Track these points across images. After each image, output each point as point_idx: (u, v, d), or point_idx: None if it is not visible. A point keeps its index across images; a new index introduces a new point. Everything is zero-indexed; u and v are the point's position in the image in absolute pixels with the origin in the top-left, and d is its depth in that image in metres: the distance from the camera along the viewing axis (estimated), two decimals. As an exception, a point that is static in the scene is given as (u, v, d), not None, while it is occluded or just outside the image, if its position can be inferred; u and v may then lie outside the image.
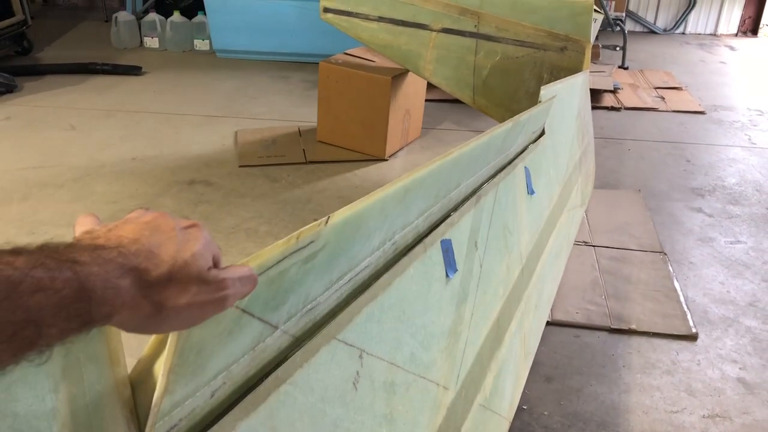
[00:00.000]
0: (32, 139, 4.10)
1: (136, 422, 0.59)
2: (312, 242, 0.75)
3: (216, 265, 0.55)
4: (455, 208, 1.38)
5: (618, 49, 6.47)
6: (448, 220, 1.32)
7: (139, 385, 0.60)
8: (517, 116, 1.64)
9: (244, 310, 0.67)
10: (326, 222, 0.77)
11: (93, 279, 0.43)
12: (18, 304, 0.39)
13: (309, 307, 0.84)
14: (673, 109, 5.23)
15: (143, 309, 0.48)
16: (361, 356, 0.97)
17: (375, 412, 1.01)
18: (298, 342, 0.83)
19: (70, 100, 4.80)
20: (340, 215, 0.81)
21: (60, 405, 0.52)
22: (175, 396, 0.60)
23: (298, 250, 0.73)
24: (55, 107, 4.65)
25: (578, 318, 2.55)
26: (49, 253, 0.42)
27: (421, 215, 1.19)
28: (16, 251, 0.41)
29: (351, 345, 0.95)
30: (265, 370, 0.77)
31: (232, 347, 0.68)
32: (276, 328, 0.76)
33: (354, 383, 0.95)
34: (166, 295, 0.49)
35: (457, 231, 1.35)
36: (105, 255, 0.45)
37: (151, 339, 0.61)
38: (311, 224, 0.75)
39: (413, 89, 4.12)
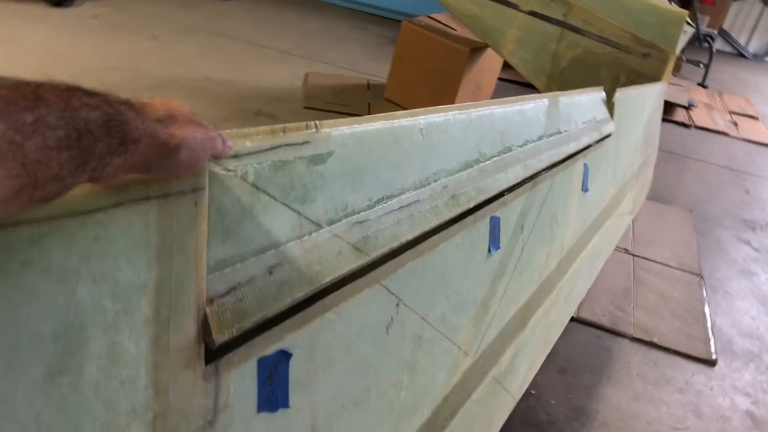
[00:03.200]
0: (115, 42, 4.24)
1: (204, 311, 0.67)
2: (307, 142, 0.82)
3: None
4: (511, 189, 1.43)
5: (701, 65, 6.32)
6: (502, 199, 1.37)
7: (213, 281, 0.68)
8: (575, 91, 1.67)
9: (255, 186, 0.74)
10: (316, 128, 0.84)
11: (122, 107, 0.53)
12: (76, 114, 0.48)
13: (357, 218, 0.90)
14: (743, 137, 5.12)
15: (159, 136, 0.56)
16: (398, 305, 1.05)
17: (400, 358, 1.08)
18: (359, 252, 0.89)
19: (157, 11, 4.92)
20: (336, 128, 0.88)
21: (150, 282, 0.60)
22: (218, 252, 0.68)
23: (291, 144, 0.80)
24: (142, 14, 4.77)
25: (603, 320, 2.59)
26: (77, 87, 0.52)
27: (470, 165, 1.23)
28: (53, 84, 0.50)
29: (392, 292, 1.02)
30: (324, 272, 0.83)
31: (267, 225, 0.75)
32: (319, 226, 0.83)
33: (387, 328, 1.03)
34: (172, 127, 0.58)
35: (508, 211, 1.41)
36: (112, 96, 0.54)
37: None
38: (297, 123, 0.82)
39: (488, 65, 4.13)
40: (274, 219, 0.77)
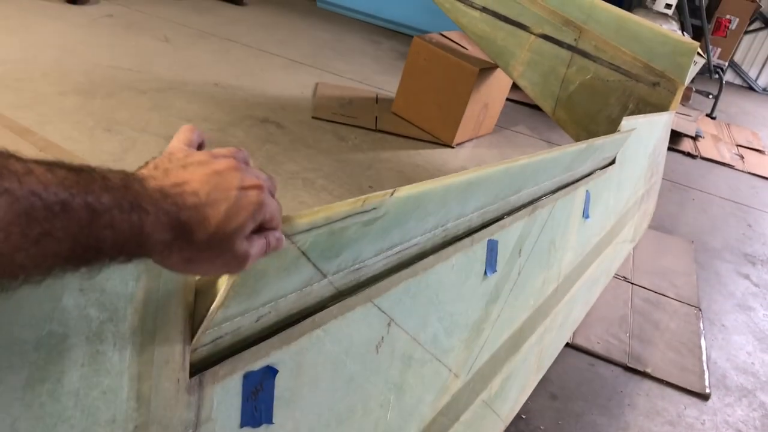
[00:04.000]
0: (127, 42, 4.26)
1: (191, 325, 0.67)
2: (375, 209, 0.82)
3: (270, 221, 0.60)
4: (510, 213, 1.42)
5: (711, 97, 6.32)
6: (500, 222, 1.37)
7: (202, 293, 0.68)
8: (593, 140, 1.67)
9: (303, 252, 0.74)
10: (391, 194, 0.84)
11: (148, 228, 0.50)
12: (94, 234, 0.46)
13: (357, 266, 0.91)
14: (749, 170, 5.12)
15: (172, 259, 0.54)
16: (389, 324, 1.04)
17: (388, 378, 1.08)
18: (340, 295, 0.90)
19: (171, 13, 4.95)
20: (405, 191, 0.87)
21: (137, 292, 0.60)
22: (228, 311, 0.68)
23: (362, 212, 0.79)
24: (155, 16, 4.80)
25: (597, 348, 2.58)
26: (125, 193, 0.49)
27: (476, 211, 1.24)
28: (107, 186, 0.48)
29: (383, 312, 1.01)
30: (304, 312, 0.84)
31: (285, 282, 0.75)
32: (325, 276, 0.83)
33: (377, 347, 1.02)
34: (197, 255, 0.55)
35: (506, 234, 1.40)
36: (165, 206, 0.52)
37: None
38: (378, 193, 0.81)
39: (497, 85, 4.14)
40: (294, 275, 0.76)
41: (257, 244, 0.60)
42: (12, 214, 0.41)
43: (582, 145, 1.60)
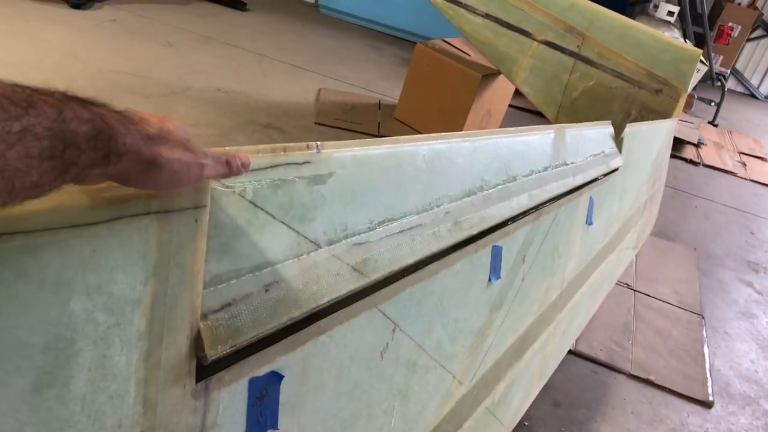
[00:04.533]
0: (130, 47, 4.27)
1: (198, 330, 0.67)
2: (307, 162, 0.82)
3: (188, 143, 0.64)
4: (514, 219, 1.42)
5: (713, 104, 6.33)
6: (505, 229, 1.37)
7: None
8: (586, 123, 1.67)
9: (253, 203, 0.73)
10: (317, 150, 0.84)
11: (109, 119, 0.53)
12: (65, 126, 0.48)
13: (357, 240, 0.90)
14: (751, 177, 5.12)
15: (144, 155, 0.56)
16: (394, 330, 1.04)
17: (393, 384, 1.08)
18: (358, 273, 0.89)
19: (174, 18, 4.96)
20: (337, 149, 0.87)
21: (145, 297, 0.60)
22: (214, 266, 0.67)
23: (291, 164, 0.79)
24: (158, 22, 4.81)
25: (601, 355, 2.57)
26: (73, 96, 0.52)
27: (473, 192, 1.23)
28: (50, 90, 0.51)
29: (388, 318, 1.01)
30: (320, 293, 0.82)
31: (263, 242, 0.74)
32: (317, 245, 0.83)
33: (382, 353, 1.02)
34: (159, 147, 0.58)
35: (510, 241, 1.40)
36: (109, 107, 0.55)
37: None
38: (298, 143, 0.82)
39: (500, 91, 4.14)
40: (272, 237, 0.77)
41: (207, 151, 0.64)
42: None
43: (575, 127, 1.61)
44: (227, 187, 0.71)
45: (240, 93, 4.02)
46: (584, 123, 1.86)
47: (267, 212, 0.77)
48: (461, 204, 1.19)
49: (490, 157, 1.31)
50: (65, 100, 0.50)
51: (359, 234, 0.91)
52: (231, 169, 0.67)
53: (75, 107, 0.50)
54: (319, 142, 0.85)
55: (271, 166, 0.77)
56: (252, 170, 0.74)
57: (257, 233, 0.75)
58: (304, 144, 0.83)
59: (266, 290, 0.75)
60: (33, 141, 0.46)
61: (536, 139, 1.54)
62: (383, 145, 0.98)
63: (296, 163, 0.81)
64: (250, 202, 0.74)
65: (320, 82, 4.55)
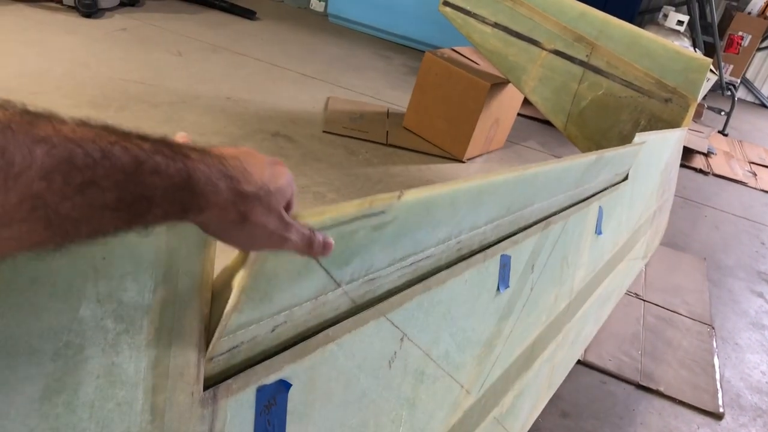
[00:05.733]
0: (140, 55, 4.30)
1: (206, 337, 0.67)
2: (383, 212, 0.81)
3: (288, 206, 0.62)
4: (523, 228, 1.42)
5: (723, 113, 6.31)
6: (513, 238, 1.37)
7: (217, 307, 0.68)
8: (603, 151, 1.67)
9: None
10: (399, 196, 0.83)
11: (198, 174, 0.50)
12: (140, 180, 0.46)
13: (370, 276, 0.90)
14: (762, 187, 5.09)
15: (230, 214, 0.54)
16: (402, 339, 1.04)
17: (401, 393, 1.07)
18: (355, 308, 0.90)
19: (184, 28, 4.99)
20: (413, 194, 0.87)
21: (154, 304, 0.60)
22: (243, 317, 0.68)
23: (370, 215, 0.79)
24: (168, 31, 4.85)
25: (609, 365, 2.55)
26: (167, 144, 0.49)
27: (490, 223, 1.23)
28: (143, 137, 0.48)
29: (396, 326, 1.01)
30: (320, 325, 0.84)
31: (297, 288, 0.75)
32: (339, 285, 0.83)
33: (390, 362, 1.02)
34: (251, 208, 0.55)
35: (519, 250, 1.40)
36: (209, 159, 0.52)
37: (234, 255, 0.68)
38: (386, 194, 0.81)
39: (508, 100, 4.14)
40: (307, 281, 0.76)
41: (296, 226, 0.61)
42: (52, 161, 0.40)
43: (593, 156, 1.60)
44: None
45: (249, 102, 4.04)
46: (612, 149, 1.80)
47: (320, 263, 0.76)
48: (472, 235, 1.18)
49: (513, 194, 1.29)
50: (153, 150, 0.47)
51: (375, 272, 0.91)
52: (312, 250, 0.65)
53: (160, 160, 0.47)
54: (402, 190, 0.84)
55: (350, 220, 0.76)
56: (331, 227, 0.72)
57: (299, 281, 0.75)
58: (396, 194, 0.81)
59: (272, 330, 0.75)
60: (96, 192, 0.43)
61: (565, 168, 1.50)
62: (440, 188, 0.94)
63: (373, 215, 0.80)
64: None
65: (329, 90, 4.57)
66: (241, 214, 0.54)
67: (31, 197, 0.40)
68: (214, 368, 0.68)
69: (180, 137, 0.61)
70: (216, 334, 0.66)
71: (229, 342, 0.69)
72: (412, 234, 0.95)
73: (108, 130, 0.45)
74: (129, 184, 0.45)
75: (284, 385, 0.78)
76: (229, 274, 0.69)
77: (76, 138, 0.42)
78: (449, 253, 1.13)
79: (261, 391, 0.75)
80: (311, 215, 0.68)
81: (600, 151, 1.65)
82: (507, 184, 1.19)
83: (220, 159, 0.53)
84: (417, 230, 0.96)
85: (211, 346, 0.66)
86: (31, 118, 0.42)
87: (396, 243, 0.92)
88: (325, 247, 0.66)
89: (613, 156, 1.77)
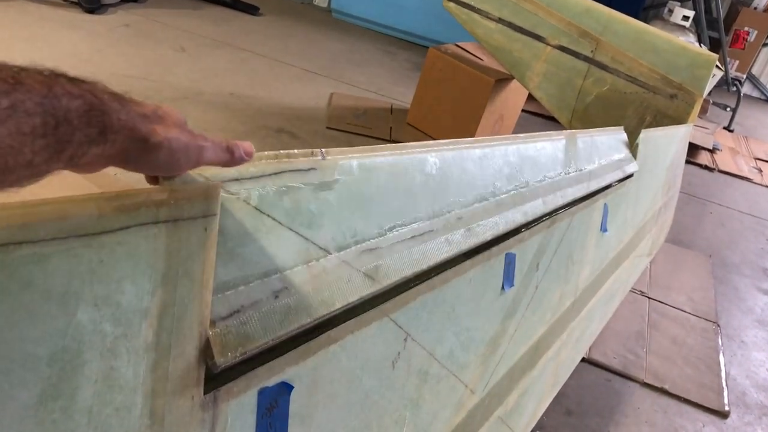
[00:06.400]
0: (143, 51, 4.29)
1: (206, 341, 0.66)
2: (313, 169, 0.81)
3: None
4: (527, 225, 1.41)
5: (728, 109, 6.27)
6: (518, 236, 1.35)
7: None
8: (596, 129, 1.66)
9: (258, 210, 0.72)
10: (322, 155, 0.83)
11: (104, 96, 0.52)
12: (56, 103, 0.47)
13: (367, 245, 0.88)
14: (767, 184, 5.06)
15: (140, 130, 0.55)
16: (405, 339, 1.03)
17: (404, 394, 1.06)
18: (370, 280, 0.88)
19: (187, 23, 4.98)
20: (345, 157, 0.87)
21: (152, 307, 0.59)
22: (229, 273, 0.67)
23: (296, 170, 0.79)
24: (172, 27, 4.84)
25: (614, 363, 2.54)
26: (63, 75, 0.51)
27: (496, 195, 1.21)
28: (41, 70, 0.49)
29: (400, 327, 1.00)
30: (332, 299, 0.81)
31: (271, 249, 0.73)
32: (326, 251, 0.81)
33: (393, 362, 1.01)
34: (157, 124, 0.57)
35: (524, 248, 1.39)
36: (105, 88, 0.54)
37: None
38: (303, 150, 0.81)
39: (513, 96, 4.12)
40: (279, 243, 0.76)
41: (206, 135, 0.63)
42: None
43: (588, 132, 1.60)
44: (231, 193, 0.70)
45: (252, 97, 4.03)
46: (595, 129, 1.84)
47: (273, 218, 0.76)
48: (473, 209, 1.17)
49: (500, 164, 1.30)
50: (54, 77, 0.49)
51: (369, 240, 0.90)
52: (233, 156, 0.65)
53: (65, 84, 0.49)
54: (324, 149, 0.84)
55: (276, 173, 0.77)
56: (256, 177, 0.73)
57: (264, 239, 0.74)
58: (309, 150, 0.83)
59: (275, 296, 0.74)
60: (24, 117, 0.45)
61: (547, 146, 1.52)
62: (390, 152, 0.97)
63: (301, 170, 0.80)
64: (256, 208, 0.74)
65: (332, 86, 4.55)
66: (149, 130, 0.56)
67: None
68: (224, 337, 0.67)
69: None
70: (211, 289, 0.65)
71: (227, 303, 0.67)
72: (382, 201, 0.94)
73: (4, 64, 0.47)
74: (48, 107, 0.47)
75: (286, 387, 0.77)
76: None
77: None
78: (456, 231, 1.10)
79: (262, 393, 0.74)
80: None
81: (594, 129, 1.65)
82: (486, 155, 1.19)
83: (107, 88, 0.55)
84: (385, 196, 0.95)
85: (208, 312, 0.65)
86: None
87: (366, 208, 0.90)
88: (246, 152, 0.66)
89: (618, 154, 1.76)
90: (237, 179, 0.71)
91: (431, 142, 1.09)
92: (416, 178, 1.02)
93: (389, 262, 0.94)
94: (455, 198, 1.12)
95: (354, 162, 0.89)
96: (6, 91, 0.44)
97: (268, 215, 0.75)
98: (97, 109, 0.51)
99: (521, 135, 1.39)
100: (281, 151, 0.78)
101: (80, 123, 0.49)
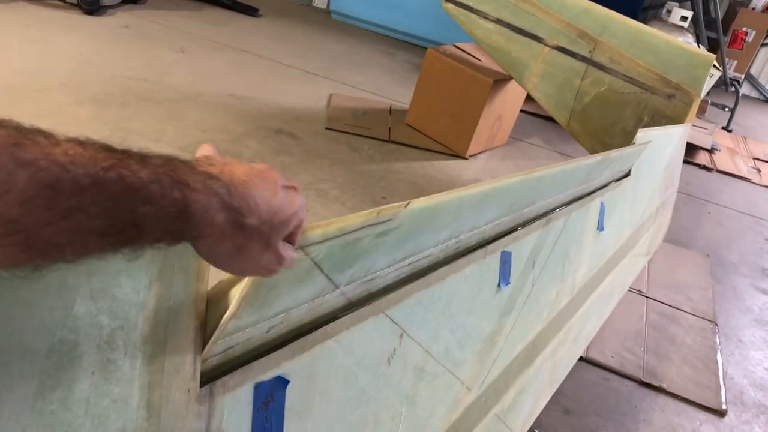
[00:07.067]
0: (143, 52, 4.30)
1: (202, 334, 0.67)
2: (389, 220, 0.81)
3: (295, 232, 0.60)
4: (524, 224, 1.42)
5: (726, 109, 6.28)
6: (514, 234, 1.36)
7: (213, 303, 0.68)
8: (608, 152, 1.66)
9: (316, 264, 0.73)
10: (406, 206, 0.83)
11: (196, 205, 0.48)
12: (131, 209, 0.44)
13: (369, 277, 0.90)
14: (765, 184, 5.07)
15: (225, 245, 0.53)
16: (401, 336, 1.03)
17: (400, 390, 1.07)
18: (351, 306, 0.90)
19: (186, 25, 4.99)
20: (419, 203, 0.87)
21: (149, 301, 0.60)
22: (240, 321, 0.68)
23: (376, 224, 0.79)
24: (172, 28, 4.85)
25: (612, 362, 2.55)
26: (167, 170, 0.47)
27: (490, 222, 1.23)
28: (145, 159, 0.46)
29: (396, 323, 1.01)
30: (315, 323, 0.84)
31: (297, 293, 0.75)
32: (337, 287, 0.83)
33: (389, 358, 1.01)
34: (248, 243, 0.54)
35: (520, 246, 1.39)
36: (214, 186, 0.50)
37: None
38: (393, 205, 0.81)
39: (511, 97, 4.13)
40: (307, 286, 0.76)
41: (291, 249, 0.60)
42: (33, 187, 0.39)
43: (597, 157, 1.59)
44: (306, 254, 0.70)
45: (252, 99, 4.04)
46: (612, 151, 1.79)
47: (321, 270, 0.76)
48: (471, 234, 1.18)
49: (515, 197, 1.29)
50: (150, 177, 0.45)
51: (374, 273, 0.91)
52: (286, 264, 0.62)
53: (155, 189, 0.45)
54: (411, 201, 0.84)
55: (355, 230, 0.76)
56: (335, 236, 0.72)
57: (301, 287, 0.74)
58: (403, 204, 0.81)
59: (267, 331, 0.75)
60: (82, 219, 0.42)
61: (567, 170, 1.49)
62: (433, 198, 0.93)
63: (379, 223, 0.80)
64: (315, 263, 0.73)
65: (332, 87, 4.56)
66: (237, 247, 0.53)
67: (7, 222, 0.39)
68: (208, 365, 0.68)
69: (204, 149, 0.59)
70: (213, 339, 0.66)
71: (225, 343, 0.68)
72: (414, 238, 0.95)
73: (107, 150, 0.44)
74: (118, 213, 0.44)
75: (282, 382, 0.78)
76: (228, 285, 0.69)
77: (66, 162, 0.41)
78: (447, 251, 1.13)
79: (258, 387, 0.75)
80: (320, 227, 0.68)
81: (605, 153, 1.64)
82: (511, 187, 1.19)
83: (227, 185, 0.51)
84: (420, 234, 0.96)
85: (206, 349, 0.66)
86: (20, 138, 0.40)
87: (398, 247, 0.92)
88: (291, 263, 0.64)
89: (618, 156, 1.76)
90: (321, 242, 0.71)
91: (467, 188, 1.04)
92: (444, 218, 1.01)
93: (377, 285, 0.95)
94: (463, 227, 1.12)
95: (415, 208, 0.86)
96: (75, 191, 0.41)
97: (320, 268, 0.75)
98: (179, 221, 0.48)
99: (544, 168, 1.31)
100: (375, 209, 0.77)
101: (154, 229, 0.47)
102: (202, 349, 0.66)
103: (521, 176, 1.18)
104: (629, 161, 2.02)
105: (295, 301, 0.76)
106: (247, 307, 0.67)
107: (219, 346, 0.68)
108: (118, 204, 0.43)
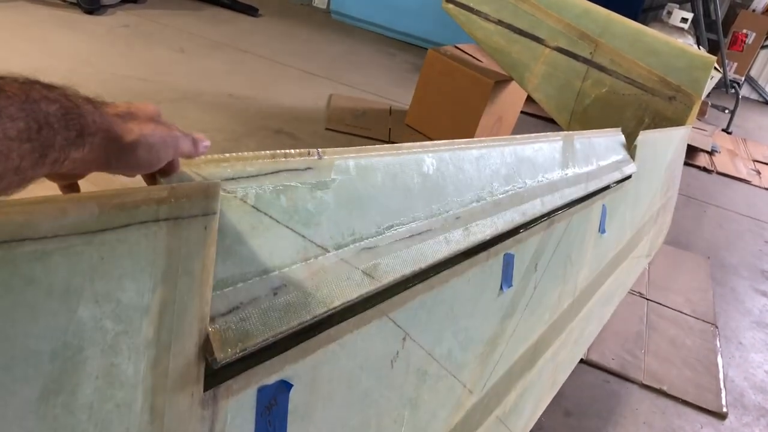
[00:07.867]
0: (143, 52, 4.29)
1: (207, 338, 0.66)
2: (309, 168, 0.81)
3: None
4: (526, 226, 1.41)
5: (727, 111, 6.28)
6: (517, 236, 1.36)
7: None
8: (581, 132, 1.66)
9: (256, 208, 0.73)
10: (318, 155, 0.84)
11: (78, 100, 0.54)
12: (34, 107, 0.48)
13: (365, 244, 0.89)
14: (765, 186, 5.07)
15: (116, 130, 0.57)
16: (404, 339, 1.03)
17: (403, 393, 1.07)
18: (369, 278, 0.88)
19: (186, 24, 4.98)
20: (342, 156, 0.88)
21: (153, 304, 0.59)
22: (218, 270, 0.67)
23: (293, 170, 0.80)
24: (171, 27, 4.84)
25: (612, 364, 2.55)
26: (37, 82, 0.52)
27: (494, 195, 1.22)
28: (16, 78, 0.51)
29: (399, 326, 1.00)
30: (331, 294, 0.82)
31: (269, 247, 0.74)
32: (325, 249, 0.82)
33: (392, 362, 1.01)
34: (130, 124, 0.59)
35: (523, 249, 1.39)
36: (77, 92, 0.56)
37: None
38: (300, 150, 0.82)
39: (511, 98, 4.13)
40: (278, 241, 0.76)
41: (173, 125, 0.65)
42: None
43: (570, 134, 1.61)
44: (228, 192, 0.71)
45: (251, 98, 4.03)
46: (593, 130, 1.84)
47: (271, 217, 0.76)
48: (471, 209, 1.18)
49: (497, 164, 1.30)
50: (29, 83, 0.51)
51: (367, 239, 0.91)
52: (197, 147, 0.67)
53: (40, 89, 0.51)
54: (320, 149, 0.85)
55: (273, 172, 0.78)
56: (253, 176, 0.74)
57: (262, 237, 0.75)
58: (305, 150, 0.83)
59: (275, 293, 0.74)
60: (8, 122, 0.46)
61: (544, 146, 1.53)
62: (386, 152, 0.98)
63: (298, 170, 0.81)
64: (253, 206, 0.74)
65: (331, 87, 4.56)
66: (125, 129, 0.58)
67: None
68: (224, 333, 0.67)
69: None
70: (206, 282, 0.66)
71: (226, 300, 0.68)
72: (379, 200, 0.94)
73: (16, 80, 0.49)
74: (29, 111, 0.48)
75: (285, 386, 0.77)
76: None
77: None
78: (454, 230, 1.11)
79: (262, 391, 0.74)
80: (219, 160, 0.71)
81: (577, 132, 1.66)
82: (483, 155, 1.20)
83: (79, 93, 0.57)
84: (382, 196, 0.95)
85: (208, 310, 0.66)
86: None
87: (363, 207, 0.91)
88: (205, 144, 0.68)
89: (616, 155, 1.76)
90: (234, 178, 0.72)
91: (428, 142, 1.10)
92: (413, 178, 1.03)
93: (388, 260, 0.94)
94: (453, 197, 1.13)
95: (350, 162, 0.89)
96: None
97: (266, 213, 0.76)
98: (73, 112, 0.52)
99: (517, 136, 1.40)
100: (278, 151, 0.79)
101: (60, 126, 0.50)
102: (207, 353, 0.66)
103: (520, 139, 1.19)
104: (630, 163, 2.02)
105: (281, 258, 0.75)
106: (220, 255, 0.67)
107: (222, 301, 0.68)
108: (23, 103, 0.48)
